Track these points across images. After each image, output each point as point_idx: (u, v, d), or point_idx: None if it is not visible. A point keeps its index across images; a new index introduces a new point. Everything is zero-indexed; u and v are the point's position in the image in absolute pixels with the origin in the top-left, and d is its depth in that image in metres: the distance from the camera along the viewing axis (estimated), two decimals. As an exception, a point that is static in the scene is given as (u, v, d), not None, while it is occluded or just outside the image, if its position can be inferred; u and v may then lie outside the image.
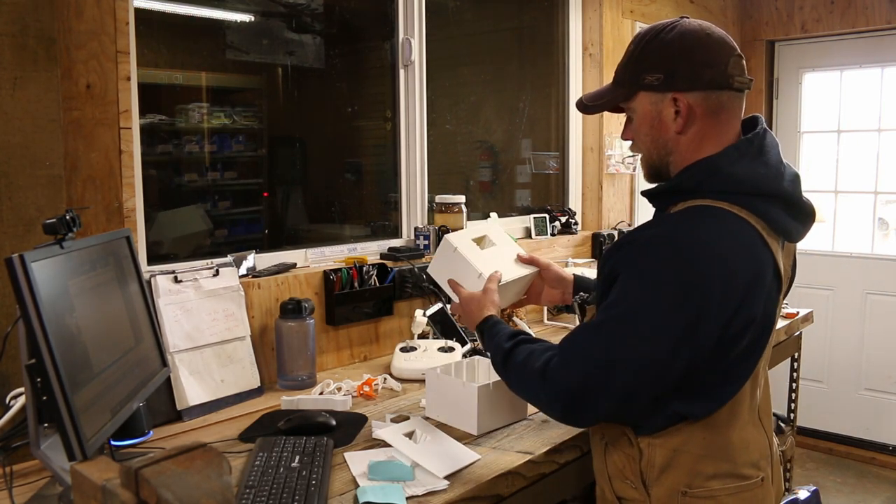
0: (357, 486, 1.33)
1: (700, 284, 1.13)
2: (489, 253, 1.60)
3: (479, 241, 1.63)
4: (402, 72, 2.55)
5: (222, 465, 0.66)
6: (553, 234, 3.04)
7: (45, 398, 1.11)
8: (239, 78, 2.63)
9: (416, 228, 2.51)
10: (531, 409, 1.68)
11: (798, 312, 2.72)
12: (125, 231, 1.53)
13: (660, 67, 1.22)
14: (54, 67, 1.53)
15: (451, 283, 1.56)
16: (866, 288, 3.96)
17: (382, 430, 1.56)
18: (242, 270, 1.99)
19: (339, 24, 2.75)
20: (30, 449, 1.25)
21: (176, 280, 1.79)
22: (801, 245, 1.34)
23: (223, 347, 1.85)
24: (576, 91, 3.29)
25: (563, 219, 3.12)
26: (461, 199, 2.54)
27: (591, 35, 3.27)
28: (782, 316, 2.62)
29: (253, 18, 2.44)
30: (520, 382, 1.30)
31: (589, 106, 1.34)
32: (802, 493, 1.57)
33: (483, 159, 3.17)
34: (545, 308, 2.70)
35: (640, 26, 3.12)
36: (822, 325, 3.95)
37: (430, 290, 2.35)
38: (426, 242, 2.45)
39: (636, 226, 2.77)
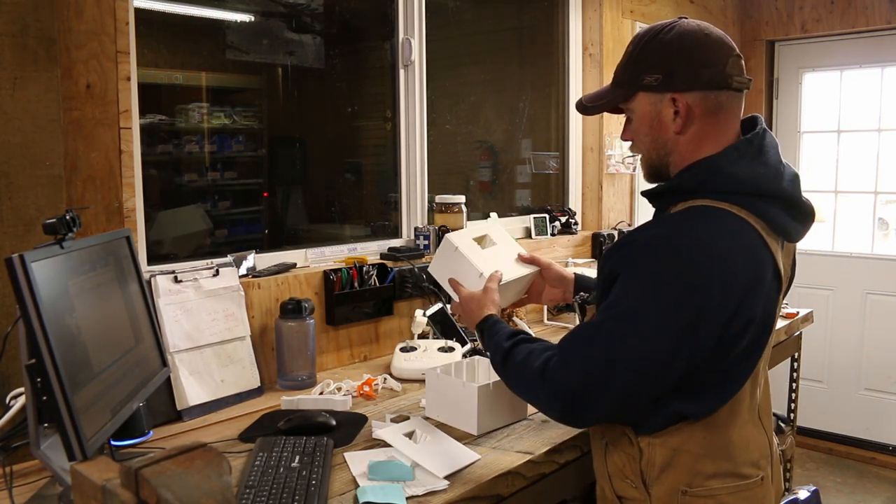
0: (357, 486, 1.33)
1: (700, 285, 1.13)
2: (490, 252, 1.60)
3: (480, 240, 1.63)
4: (402, 72, 2.55)
5: (222, 465, 0.66)
6: (553, 234, 3.04)
7: (45, 398, 1.11)
8: (239, 78, 2.63)
9: (416, 228, 2.51)
10: (531, 409, 1.68)
11: (798, 312, 2.72)
12: (125, 231, 1.53)
13: (658, 68, 1.22)
14: (54, 67, 1.53)
15: (452, 282, 1.56)
16: (866, 288, 3.96)
17: (382, 430, 1.56)
18: (242, 270, 1.99)
19: (339, 24, 2.75)
20: (30, 449, 1.25)
21: (176, 280, 1.79)
22: (802, 245, 1.34)
23: (223, 347, 1.85)
24: (576, 91, 3.29)
25: (563, 219, 3.12)
26: (461, 199, 2.54)
27: (591, 35, 3.27)
28: (782, 316, 2.62)
29: (253, 18, 2.44)
30: (519, 382, 1.30)
31: (588, 107, 1.34)
32: (802, 493, 1.57)
33: (483, 159, 3.17)
34: (545, 308, 2.70)
35: (640, 26, 3.12)
36: (822, 325, 3.95)
37: (430, 290, 2.35)
38: (426, 242, 2.45)
39: (636, 226, 2.78)
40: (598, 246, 3.12)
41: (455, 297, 1.55)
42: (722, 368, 1.19)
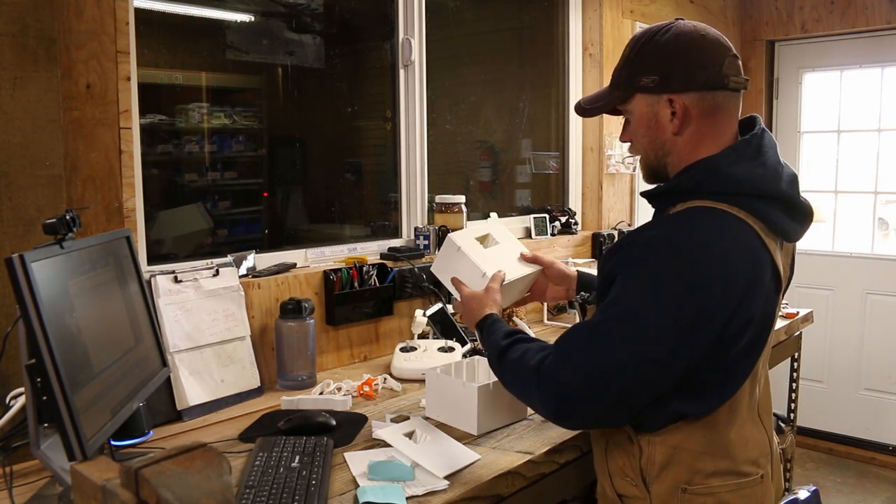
0: (357, 486, 1.33)
1: (700, 285, 1.13)
2: (492, 251, 1.60)
3: (483, 239, 1.63)
4: (402, 72, 2.55)
5: (222, 465, 0.66)
6: (553, 234, 3.04)
7: (45, 398, 1.11)
8: (239, 78, 2.63)
9: (416, 228, 2.51)
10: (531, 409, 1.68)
11: (798, 312, 2.72)
12: (125, 231, 1.53)
13: (655, 69, 1.23)
14: (54, 67, 1.53)
15: (454, 281, 1.56)
16: (866, 288, 3.96)
17: (382, 430, 1.56)
18: (242, 270, 1.99)
19: (339, 24, 2.75)
20: (30, 449, 1.25)
21: (176, 280, 1.79)
22: (801, 245, 1.35)
23: (223, 347, 1.85)
24: (576, 91, 3.29)
25: (563, 219, 3.12)
26: (461, 199, 2.54)
27: (591, 35, 3.27)
28: (782, 316, 2.62)
29: (253, 18, 2.45)
30: (514, 380, 1.29)
31: (587, 109, 1.35)
32: (802, 493, 1.57)
33: (483, 159, 3.17)
34: (545, 308, 2.71)
35: (640, 26, 3.12)
36: (822, 325, 3.95)
37: (430, 290, 2.36)
38: (426, 242, 2.45)
39: (636, 226, 2.78)
40: (598, 246, 3.12)
41: (458, 297, 1.55)
42: (721, 368, 1.19)
